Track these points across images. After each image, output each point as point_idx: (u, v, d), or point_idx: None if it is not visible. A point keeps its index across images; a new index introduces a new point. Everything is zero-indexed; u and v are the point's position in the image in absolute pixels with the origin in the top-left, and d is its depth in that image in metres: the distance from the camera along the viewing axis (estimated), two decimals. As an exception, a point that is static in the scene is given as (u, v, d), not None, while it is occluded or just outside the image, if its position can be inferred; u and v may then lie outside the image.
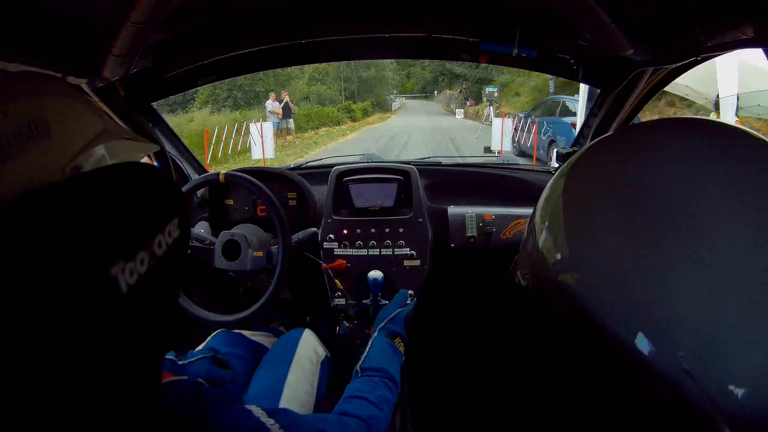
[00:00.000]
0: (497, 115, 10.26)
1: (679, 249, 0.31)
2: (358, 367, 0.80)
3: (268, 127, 8.65)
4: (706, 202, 0.32)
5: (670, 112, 7.75)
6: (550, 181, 0.45)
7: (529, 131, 8.68)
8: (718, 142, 0.36)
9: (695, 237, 0.31)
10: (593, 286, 0.35)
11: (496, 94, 13.74)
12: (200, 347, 1.02)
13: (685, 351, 0.29)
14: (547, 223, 0.41)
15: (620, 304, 0.32)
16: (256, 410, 0.46)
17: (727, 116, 4.01)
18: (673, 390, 0.29)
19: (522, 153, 8.82)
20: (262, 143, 8.29)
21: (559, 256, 0.39)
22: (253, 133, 8.55)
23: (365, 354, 0.82)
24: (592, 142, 0.45)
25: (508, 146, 8.55)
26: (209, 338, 1.07)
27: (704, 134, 0.38)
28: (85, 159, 0.32)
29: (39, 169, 0.28)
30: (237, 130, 9.34)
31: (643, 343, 0.31)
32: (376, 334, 0.89)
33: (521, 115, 9.65)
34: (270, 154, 8.40)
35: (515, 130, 8.97)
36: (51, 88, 0.32)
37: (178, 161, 1.37)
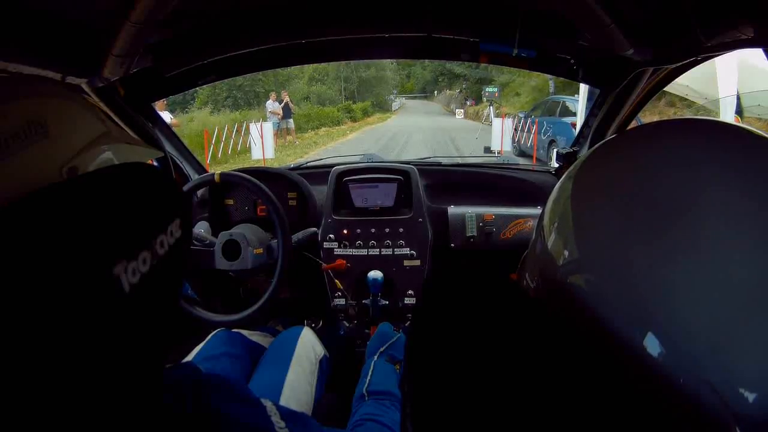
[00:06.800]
0: (497, 115, 10.26)
1: (691, 249, 0.31)
2: (364, 390, 0.79)
3: (268, 128, 8.67)
4: (717, 204, 0.32)
5: (670, 112, 7.76)
6: (558, 183, 0.45)
7: (529, 131, 8.69)
8: (728, 143, 0.36)
9: (708, 238, 0.31)
10: (603, 287, 0.35)
11: (496, 95, 13.73)
12: (199, 347, 1.02)
13: (698, 353, 0.29)
14: (556, 225, 0.41)
15: (631, 305, 0.32)
16: (270, 407, 0.44)
17: (727, 116, 4.01)
18: (685, 393, 0.29)
19: (522, 153, 8.82)
20: (262, 143, 8.30)
21: (568, 258, 0.38)
22: (253, 133, 8.57)
23: (369, 377, 0.82)
24: (600, 143, 0.45)
25: (508, 146, 8.56)
26: (209, 337, 1.07)
27: (714, 135, 0.38)
28: (82, 161, 0.32)
29: (36, 169, 0.28)
30: (237, 131, 9.35)
31: (653, 345, 0.31)
32: (376, 358, 0.89)
33: (521, 115, 9.65)
34: (270, 154, 8.42)
35: (515, 130, 8.98)
36: (51, 91, 0.32)
37: (177, 161, 1.37)
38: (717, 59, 3.70)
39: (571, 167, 0.44)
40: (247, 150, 9.13)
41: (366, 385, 0.80)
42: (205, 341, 1.06)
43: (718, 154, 0.35)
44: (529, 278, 0.46)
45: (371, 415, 0.71)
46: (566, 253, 0.39)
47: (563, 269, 0.39)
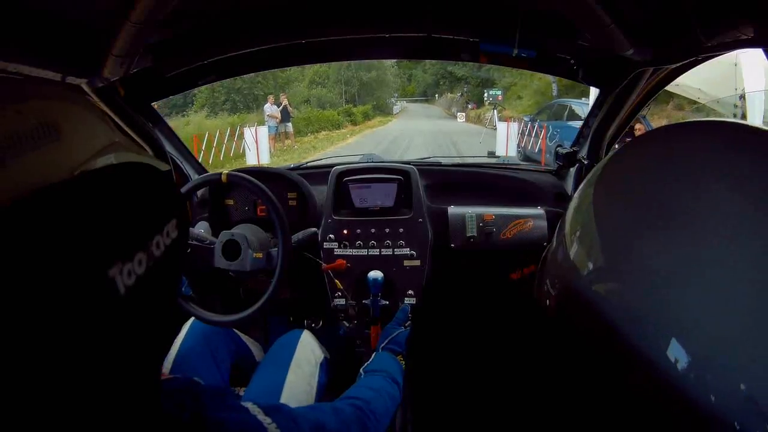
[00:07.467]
0: (501, 119, 10.14)
1: (710, 254, 0.30)
2: (361, 370, 0.83)
3: (263, 132, 8.40)
4: (741, 208, 0.31)
5: (678, 116, 7.71)
6: (578, 191, 0.44)
7: (536, 136, 8.51)
8: (753, 145, 0.35)
9: (727, 242, 0.30)
10: (629, 294, 0.34)
11: (499, 98, 13.40)
12: (181, 337, 1.05)
13: (735, 361, 0.28)
14: (578, 234, 0.41)
15: (656, 314, 0.32)
16: (253, 408, 0.46)
17: (755, 113, 3.94)
18: (702, 403, 0.29)
19: (527, 158, 8.57)
20: (257, 148, 8.07)
21: (593, 266, 0.38)
22: (248, 138, 8.25)
23: (369, 362, 0.86)
24: (619, 147, 0.45)
25: (513, 152, 8.32)
26: (187, 328, 1.08)
27: (739, 137, 0.37)
28: (89, 168, 0.31)
29: (44, 171, 0.28)
30: (233, 135, 9.12)
31: (680, 350, 0.30)
32: (379, 352, 0.92)
33: (526, 119, 9.47)
34: (265, 159, 8.18)
35: (521, 135, 8.84)
36: (66, 95, 0.32)
37: (177, 161, 1.37)
38: (741, 58, 3.66)
39: (591, 173, 0.44)
40: (242, 155, 8.86)
41: (365, 366, 0.85)
42: (184, 333, 1.07)
43: (737, 154, 0.34)
44: (550, 285, 0.46)
45: (360, 384, 0.76)
46: (590, 259, 0.38)
47: (587, 276, 0.38)
